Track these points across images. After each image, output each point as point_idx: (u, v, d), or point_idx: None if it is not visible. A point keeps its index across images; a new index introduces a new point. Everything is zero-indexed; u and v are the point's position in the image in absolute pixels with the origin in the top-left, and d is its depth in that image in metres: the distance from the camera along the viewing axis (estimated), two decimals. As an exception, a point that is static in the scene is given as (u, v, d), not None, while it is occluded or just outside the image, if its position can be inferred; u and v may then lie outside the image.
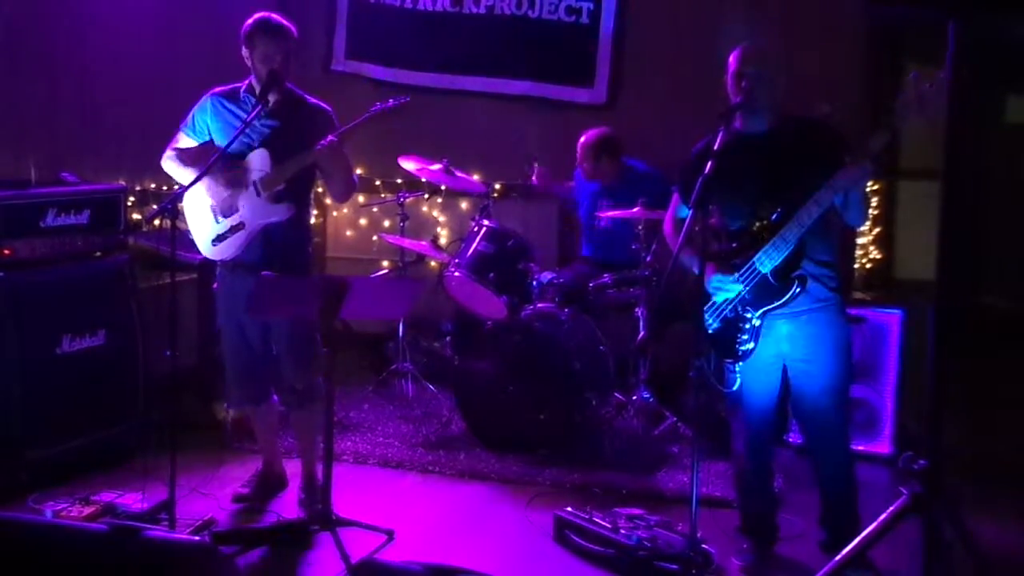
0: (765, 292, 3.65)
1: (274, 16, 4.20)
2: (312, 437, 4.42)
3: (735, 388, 3.78)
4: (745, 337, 3.70)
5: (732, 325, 3.73)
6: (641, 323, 5.15)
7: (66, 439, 4.54)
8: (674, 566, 3.67)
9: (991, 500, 4.33)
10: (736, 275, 3.69)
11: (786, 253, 3.59)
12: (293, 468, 4.83)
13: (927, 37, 5.25)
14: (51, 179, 4.87)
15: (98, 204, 4.80)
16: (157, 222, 3.98)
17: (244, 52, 4.20)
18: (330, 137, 4.12)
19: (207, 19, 5.88)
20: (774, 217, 3.60)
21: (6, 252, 4.41)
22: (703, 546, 3.76)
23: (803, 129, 3.74)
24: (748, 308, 3.69)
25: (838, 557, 3.36)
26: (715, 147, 3.55)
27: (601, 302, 5.30)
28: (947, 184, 3.50)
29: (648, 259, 5.11)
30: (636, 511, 4.05)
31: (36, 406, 4.43)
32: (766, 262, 3.62)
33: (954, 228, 3.41)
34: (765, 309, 3.66)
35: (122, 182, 5.14)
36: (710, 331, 3.78)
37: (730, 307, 3.74)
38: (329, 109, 4.34)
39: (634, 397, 5.23)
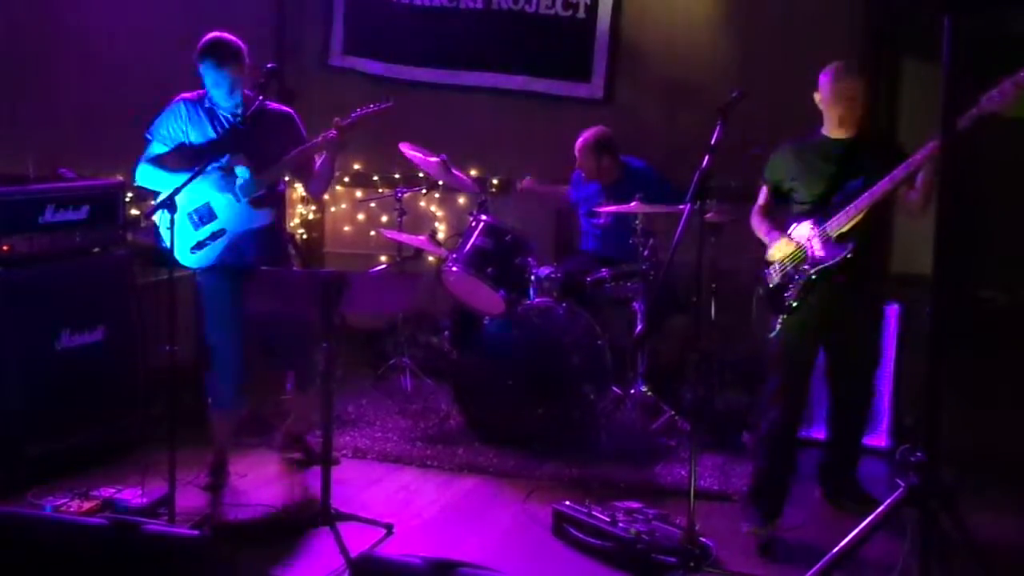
0: (827, 251, 3.94)
1: (224, 37, 4.23)
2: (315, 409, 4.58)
3: (774, 335, 4.04)
4: (790, 291, 3.99)
5: (788, 279, 4.01)
6: (638, 317, 5.15)
7: (65, 434, 4.55)
8: (672, 559, 3.68)
9: (988, 493, 4.34)
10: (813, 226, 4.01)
11: (855, 219, 3.90)
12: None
13: (925, 33, 5.26)
14: (49, 175, 4.86)
15: (96, 200, 4.80)
16: (156, 217, 3.99)
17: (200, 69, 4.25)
18: (331, 132, 4.25)
19: (206, 15, 5.87)
20: (854, 185, 3.93)
21: (4, 248, 4.40)
22: (701, 539, 3.77)
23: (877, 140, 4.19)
24: (807, 265, 3.97)
25: (838, 548, 3.38)
26: (712, 141, 3.59)
27: (599, 296, 5.30)
28: (944, 178, 3.51)
29: (645, 253, 5.11)
30: (634, 504, 4.07)
31: (35, 402, 4.43)
32: (835, 225, 3.91)
33: (951, 222, 3.42)
34: (822, 267, 3.93)
35: (120, 178, 5.13)
36: (770, 285, 4.07)
37: (792, 264, 4.01)
38: (291, 111, 4.48)
39: (632, 391, 5.24)
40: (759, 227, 4.23)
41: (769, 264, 4.14)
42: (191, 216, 4.30)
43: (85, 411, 4.63)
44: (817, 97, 4.07)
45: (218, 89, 4.21)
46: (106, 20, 5.47)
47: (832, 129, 4.07)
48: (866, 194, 3.88)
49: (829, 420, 4.42)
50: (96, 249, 4.83)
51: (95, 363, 4.69)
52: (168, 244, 4.27)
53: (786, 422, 4.09)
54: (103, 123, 5.44)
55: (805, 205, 4.08)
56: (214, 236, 4.28)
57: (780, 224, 4.15)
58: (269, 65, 4.20)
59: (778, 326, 4.03)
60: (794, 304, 3.99)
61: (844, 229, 3.93)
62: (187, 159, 4.21)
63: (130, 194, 5.22)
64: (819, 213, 4.00)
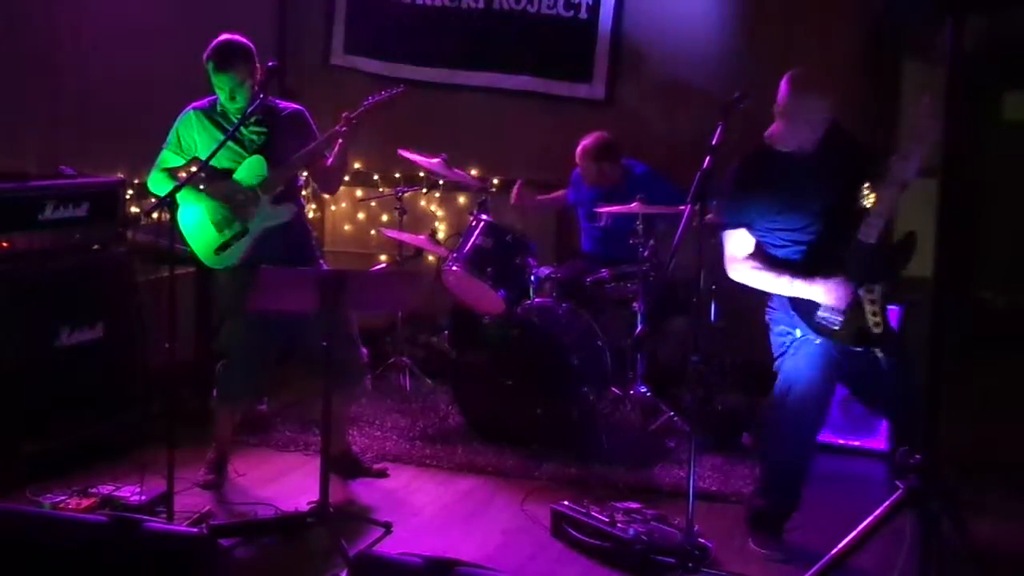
0: (880, 262, 3.68)
1: (235, 39, 4.24)
2: (347, 413, 4.71)
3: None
4: (877, 319, 3.69)
5: (856, 312, 3.72)
6: (638, 318, 5.15)
7: (64, 432, 4.54)
8: (671, 559, 3.68)
9: (987, 496, 4.34)
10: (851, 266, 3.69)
11: (886, 216, 3.64)
12: (292, 462, 4.86)
13: (926, 32, 5.25)
14: (50, 172, 4.86)
15: (96, 197, 4.80)
16: (156, 215, 3.99)
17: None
18: (342, 126, 4.30)
19: (206, 14, 5.88)
20: (834, 200, 3.69)
21: (4, 245, 4.40)
22: (699, 539, 3.77)
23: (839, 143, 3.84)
24: (869, 287, 3.69)
25: (836, 549, 3.38)
26: (713, 142, 3.59)
27: (599, 297, 5.30)
28: (945, 181, 3.52)
29: (646, 254, 5.11)
30: (633, 505, 4.06)
31: (34, 399, 4.43)
32: (871, 233, 3.63)
33: (952, 225, 3.42)
34: (889, 279, 3.70)
35: (120, 175, 5.13)
36: (836, 328, 3.75)
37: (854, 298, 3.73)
38: (301, 107, 4.49)
39: (631, 392, 5.24)
40: (768, 278, 3.83)
41: (820, 309, 3.76)
42: (213, 219, 4.31)
43: (84, 408, 4.63)
44: (777, 108, 3.79)
45: (220, 92, 4.22)
46: (107, 19, 5.46)
47: (794, 144, 3.81)
48: (889, 195, 3.60)
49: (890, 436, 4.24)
50: (96, 246, 4.83)
51: (94, 360, 4.68)
52: (191, 245, 4.36)
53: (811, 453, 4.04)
54: (104, 121, 5.43)
55: (796, 232, 3.82)
56: (237, 236, 4.30)
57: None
58: (270, 63, 4.21)
59: (881, 355, 3.73)
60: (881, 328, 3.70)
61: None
62: (202, 172, 4.18)
63: (130, 192, 5.22)
64: (830, 234, 3.74)
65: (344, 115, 4.36)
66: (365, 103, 4.42)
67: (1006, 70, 5.78)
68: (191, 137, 4.32)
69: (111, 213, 4.87)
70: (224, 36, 4.25)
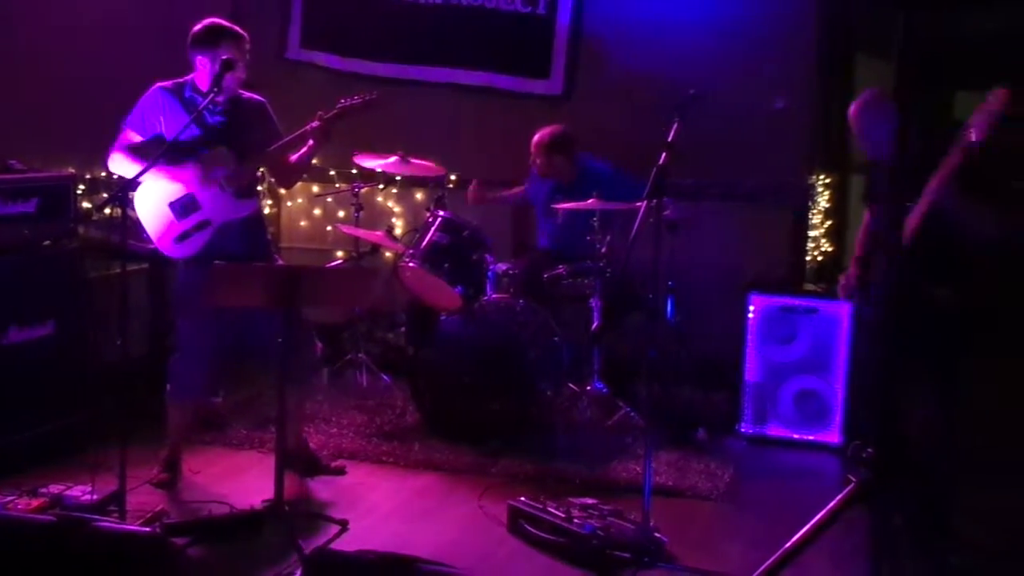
0: None
1: (226, 22, 4.24)
2: (303, 409, 4.68)
3: None
4: None
5: None
6: (595, 314, 5.17)
7: (14, 431, 4.47)
8: (626, 554, 3.70)
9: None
10: None
11: None
12: (247, 459, 4.82)
13: (879, 31, 5.32)
14: (-2, 166, 4.78)
15: (47, 192, 4.72)
16: (108, 211, 3.93)
17: (197, 56, 4.19)
18: (316, 124, 4.30)
19: (158, 7, 5.82)
20: None
21: (-49, 240, 4.33)
22: (655, 534, 3.79)
23: None
24: None
25: (788, 544, 3.41)
26: (669, 139, 3.61)
27: (556, 293, 5.31)
28: (894, 179, 3.57)
29: (602, 250, 5.13)
30: (589, 501, 4.08)
31: (-18, 397, 4.36)
32: None
33: (901, 222, 3.47)
34: None
35: (71, 170, 5.05)
36: None
37: None
38: (263, 100, 4.45)
39: (588, 387, 5.25)
40: None
41: None
42: (173, 206, 4.25)
43: (34, 407, 4.56)
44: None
45: (213, 64, 4.15)
46: (58, 10, 5.38)
47: None
48: None
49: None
50: (46, 242, 4.75)
51: (45, 358, 4.61)
52: (149, 232, 4.27)
53: None
54: (54, 115, 5.35)
55: None
56: (199, 227, 4.25)
57: None
58: (223, 56, 4.16)
59: None
60: None
61: None
62: (166, 153, 4.10)
63: (82, 187, 5.15)
64: None
65: (320, 113, 4.33)
66: (340, 104, 4.38)
67: (958, 69, 5.87)
68: (154, 116, 4.26)
69: (62, 209, 4.78)
70: (213, 19, 4.23)
